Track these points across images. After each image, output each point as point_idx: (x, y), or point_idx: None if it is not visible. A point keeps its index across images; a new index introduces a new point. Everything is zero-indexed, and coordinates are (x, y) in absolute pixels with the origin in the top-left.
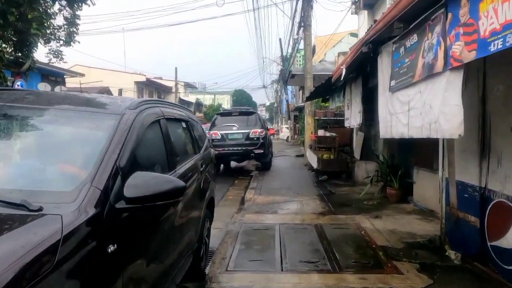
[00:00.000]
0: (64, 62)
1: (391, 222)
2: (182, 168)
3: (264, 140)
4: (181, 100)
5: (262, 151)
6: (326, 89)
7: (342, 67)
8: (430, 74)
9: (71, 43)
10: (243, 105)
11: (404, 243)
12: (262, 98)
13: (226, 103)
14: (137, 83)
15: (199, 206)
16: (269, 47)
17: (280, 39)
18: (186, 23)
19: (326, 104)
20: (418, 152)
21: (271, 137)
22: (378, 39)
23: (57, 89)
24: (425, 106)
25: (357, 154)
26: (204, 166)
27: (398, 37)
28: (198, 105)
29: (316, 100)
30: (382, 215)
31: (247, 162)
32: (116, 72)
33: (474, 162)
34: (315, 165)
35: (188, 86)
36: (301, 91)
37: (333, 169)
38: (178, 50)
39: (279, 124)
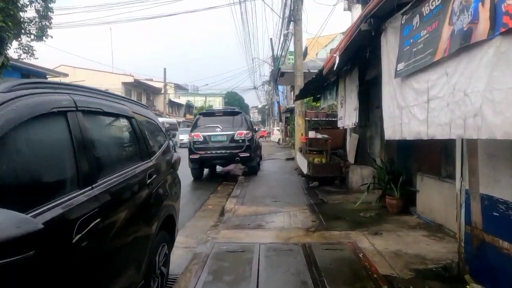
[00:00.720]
0: (35, 58)
1: (394, 240)
2: (109, 181)
3: (250, 143)
4: (171, 102)
5: (248, 155)
6: (317, 86)
7: (335, 55)
8: (464, 45)
9: (43, 37)
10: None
11: (413, 271)
12: (254, 100)
13: (218, 105)
14: (124, 84)
15: (145, 230)
16: (259, 46)
17: (271, 39)
18: (165, 16)
19: (317, 104)
20: (422, 156)
21: (261, 139)
22: (382, 11)
23: None
24: (455, 94)
25: (350, 157)
26: (156, 176)
27: (410, 4)
28: (189, 107)
29: (307, 99)
30: (383, 231)
31: (234, 165)
32: (102, 72)
33: (508, 171)
34: (305, 170)
35: (179, 88)
36: (292, 92)
37: (325, 174)
38: (169, 52)
39: (271, 126)
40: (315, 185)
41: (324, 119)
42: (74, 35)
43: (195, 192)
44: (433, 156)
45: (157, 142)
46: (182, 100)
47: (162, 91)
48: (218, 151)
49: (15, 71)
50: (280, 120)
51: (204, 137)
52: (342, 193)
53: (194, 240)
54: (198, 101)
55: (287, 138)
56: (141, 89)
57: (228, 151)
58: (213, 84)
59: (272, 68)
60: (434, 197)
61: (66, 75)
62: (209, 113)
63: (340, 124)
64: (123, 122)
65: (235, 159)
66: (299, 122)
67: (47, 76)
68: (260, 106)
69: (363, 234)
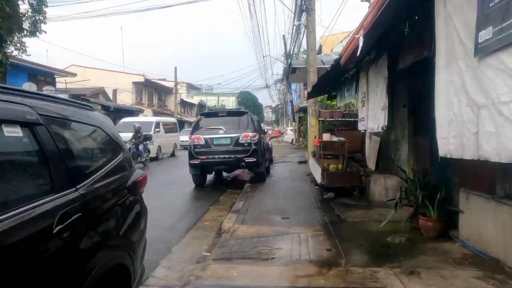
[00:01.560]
0: (28, 55)
1: (437, 285)
2: None
3: (257, 146)
4: (183, 101)
5: (255, 160)
6: (333, 81)
7: (358, 35)
8: None
9: (37, 33)
10: (248, 107)
11: None
12: (268, 99)
13: (231, 105)
14: (135, 83)
15: None
16: (271, 43)
17: (283, 36)
18: (161, 7)
19: (333, 103)
20: (467, 166)
21: (273, 140)
22: None
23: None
24: None
25: (371, 163)
26: (83, 214)
27: None
28: (201, 106)
29: (321, 98)
30: (420, 268)
31: (241, 170)
32: (113, 72)
33: None
34: (319, 178)
35: (192, 87)
36: (305, 90)
37: (342, 184)
38: (182, 52)
39: (285, 126)
40: (330, 197)
41: (340, 119)
42: (87, 35)
43: (193, 204)
44: (484, 167)
45: (97, 159)
46: (195, 99)
47: (174, 91)
48: (221, 156)
49: (22, 71)
50: (294, 120)
51: (205, 140)
52: (363, 208)
53: (178, 274)
54: (211, 101)
55: (300, 139)
56: (152, 88)
57: (232, 156)
58: (226, 82)
59: (285, 65)
60: (486, 222)
61: (74, 74)
62: (211, 113)
63: (361, 127)
64: (14, 132)
65: (240, 165)
66: (312, 123)
67: (55, 76)
68: (273, 105)
69: (395, 273)
